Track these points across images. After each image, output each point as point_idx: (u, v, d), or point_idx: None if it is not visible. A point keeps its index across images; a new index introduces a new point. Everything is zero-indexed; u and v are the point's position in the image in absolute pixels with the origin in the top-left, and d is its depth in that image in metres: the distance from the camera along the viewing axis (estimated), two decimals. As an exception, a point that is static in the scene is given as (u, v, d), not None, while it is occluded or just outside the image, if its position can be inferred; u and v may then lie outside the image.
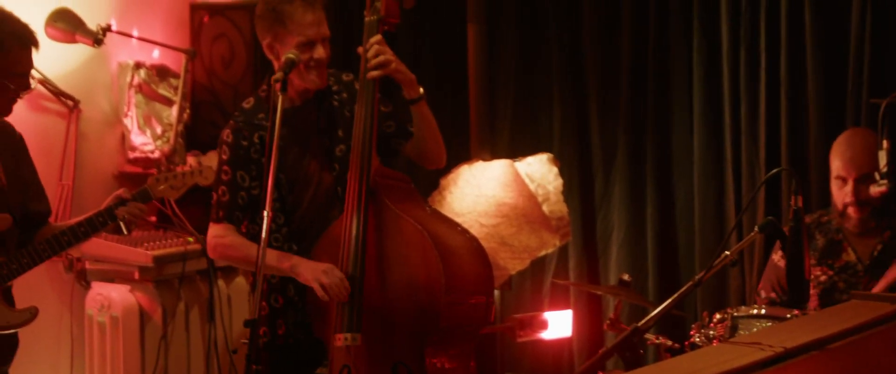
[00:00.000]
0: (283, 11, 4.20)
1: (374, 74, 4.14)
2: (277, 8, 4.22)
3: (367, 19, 4.22)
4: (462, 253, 4.11)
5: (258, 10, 4.28)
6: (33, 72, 5.48)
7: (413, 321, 4.05)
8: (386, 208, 4.11)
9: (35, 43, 4.06)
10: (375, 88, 4.17)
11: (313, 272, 4.08)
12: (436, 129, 4.35)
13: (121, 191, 4.25)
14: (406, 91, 4.23)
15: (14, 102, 4.06)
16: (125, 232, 4.25)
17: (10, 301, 4.16)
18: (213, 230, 4.32)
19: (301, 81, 4.25)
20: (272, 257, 4.16)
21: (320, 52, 4.21)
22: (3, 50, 3.96)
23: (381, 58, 4.14)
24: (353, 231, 4.07)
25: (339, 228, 4.14)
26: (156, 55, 6.22)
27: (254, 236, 4.27)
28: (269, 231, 4.11)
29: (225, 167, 4.29)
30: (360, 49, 4.19)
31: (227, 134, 4.32)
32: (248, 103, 4.38)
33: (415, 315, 4.05)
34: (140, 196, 4.26)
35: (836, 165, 4.74)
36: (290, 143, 4.26)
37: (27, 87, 4.08)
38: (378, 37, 4.17)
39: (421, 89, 4.24)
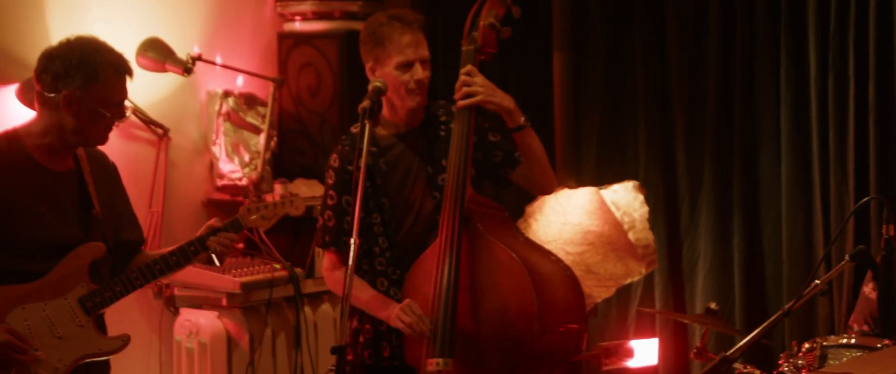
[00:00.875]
0: (382, 34, 4.24)
1: (463, 103, 4.16)
2: (376, 31, 4.25)
3: (463, 49, 4.24)
4: (555, 281, 4.09)
5: (361, 36, 4.33)
6: (126, 101, 5.59)
7: (504, 347, 4.03)
8: (479, 235, 4.11)
9: (129, 72, 4.11)
10: (470, 118, 4.17)
11: (396, 313, 4.11)
12: (542, 156, 4.33)
13: (213, 221, 4.28)
14: (507, 120, 4.23)
15: (109, 130, 4.11)
16: (217, 263, 4.28)
17: (102, 328, 4.20)
18: (325, 260, 4.37)
19: (403, 103, 4.26)
20: (376, 302, 4.22)
21: (419, 72, 4.23)
22: (100, 79, 4.00)
23: (466, 89, 4.16)
24: (447, 257, 4.08)
25: (433, 254, 4.14)
26: (242, 83, 6.28)
27: (358, 260, 4.30)
28: (371, 256, 4.16)
29: (331, 192, 4.32)
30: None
31: (333, 159, 4.35)
32: (355, 128, 4.39)
33: (506, 342, 4.03)
34: (231, 226, 4.29)
35: None
36: (394, 168, 4.29)
37: (122, 115, 4.12)
38: (468, 67, 4.19)
39: (523, 118, 4.23)
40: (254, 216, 4.27)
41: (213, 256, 4.21)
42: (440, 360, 4.03)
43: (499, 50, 4.27)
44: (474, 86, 4.16)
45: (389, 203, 4.28)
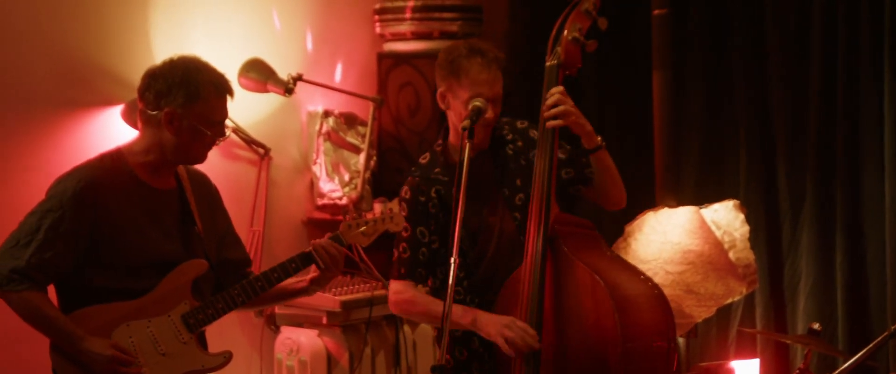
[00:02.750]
0: (460, 66, 4.22)
1: (553, 123, 4.12)
2: (456, 61, 4.23)
3: (546, 65, 4.20)
4: (640, 301, 4.05)
5: (440, 57, 4.31)
6: (227, 121, 5.65)
7: (591, 371, 4.01)
8: (563, 257, 4.08)
9: (230, 92, 4.16)
10: (555, 138, 4.14)
11: (496, 326, 4.08)
12: (616, 174, 4.32)
13: (314, 241, 4.29)
14: (585, 141, 4.20)
15: (209, 149, 4.15)
16: (321, 265, 4.25)
17: (204, 345, 4.25)
18: (394, 287, 4.35)
19: (461, 139, 4.26)
20: (455, 311, 4.15)
21: (489, 111, 4.21)
22: (201, 98, 4.05)
23: (561, 108, 4.11)
24: (532, 281, 4.06)
25: (519, 278, 4.13)
26: (342, 103, 6.32)
27: (436, 291, 4.30)
28: (460, 280, 4.14)
29: (405, 224, 4.32)
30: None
31: (405, 191, 4.36)
32: (424, 158, 4.40)
33: (592, 366, 4.01)
34: (333, 241, 4.32)
35: None
36: (467, 195, 4.28)
37: (222, 134, 4.17)
38: (560, 87, 4.14)
39: (599, 138, 4.20)
40: (354, 232, 4.28)
41: (317, 258, 4.20)
42: None
43: (584, 65, 4.21)
44: (567, 106, 4.12)
45: (466, 232, 4.23)
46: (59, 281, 4.06)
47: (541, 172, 4.14)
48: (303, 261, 4.19)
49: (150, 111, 4.06)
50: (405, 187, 4.36)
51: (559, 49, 4.18)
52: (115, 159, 4.11)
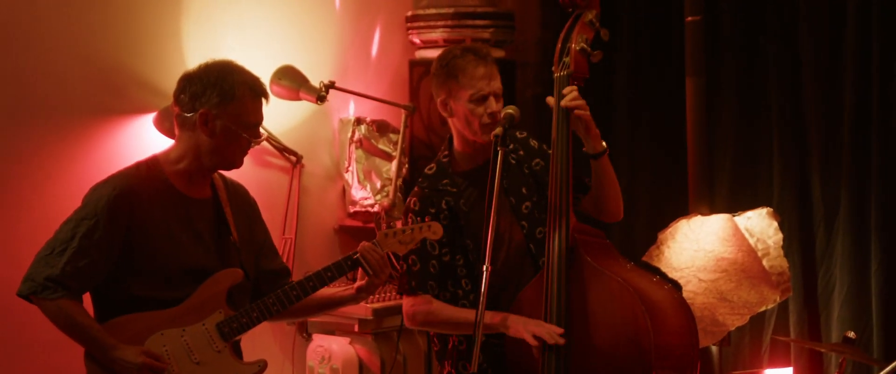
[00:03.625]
0: (455, 66, 4.24)
1: (580, 112, 4.09)
2: (450, 64, 4.25)
3: (556, 75, 4.19)
4: (666, 307, 4.04)
5: (432, 69, 4.33)
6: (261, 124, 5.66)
7: None
8: (587, 265, 4.06)
9: (265, 94, 4.16)
10: (569, 143, 4.12)
11: (524, 324, 4.07)
12: (616, 184, 4.29)
13: (362, 245, 4.27)
14: (590, 145, 4.18)
15: (245, 152, 4.15)
16: (369, 271, 4.23)
17: (238, 354, 4.25)
18: (408, 301, 4.33)
19: (476, 137, 4.25)
20: (468, 313, 4.17)
21: (493, 106, 4.22)
22: (236, 98, 4.05)
23: (582, 102, 4.10)
24: (555, 290, 4.04)
25: (538, 288, 4.11)
26: (374, 110, 6.32)
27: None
28: (455, 299, 4.16)
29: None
30: (549, 99, 4.18)
31: (413, 202, 4.33)
32: (430, 170, 4.39)
33: (623, 372, 4.00)
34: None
35: None
36: (475, 206, 4.27)
37: (257, 137, 4.17)
38: (574, 87, 4.14)
39: (604, 143, 4.19)
40: (392, 241, 4.26)
41: (364, 263, 4.18)
42: None
43: (590, 75, 4.21)
44: (583, 104, 4.11)
45: (473, 244, 4.23)
46: (95, 289, 4.08)
47: (556, 179, 4.11)
48: (338, 270, 4.18)
49: (185, 114, 4.07)
50: (413, 199, 4.34)
51: (567, 59, 4.18)
52: (150, 168, 4.12)
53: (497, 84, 4.27)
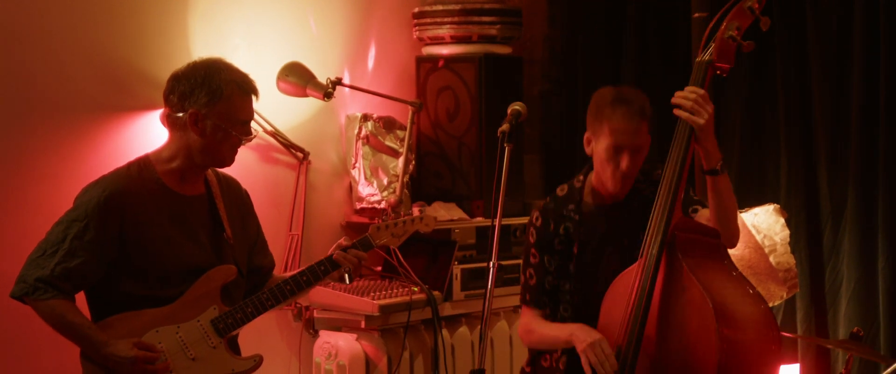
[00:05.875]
0: (604, 113, 4.17)
1: (681, 113, 3.96)
2: (603, 108, 4.18)
3: (696, 60, 4.07)
4: (747, 326, 3.94)
5: (591, 101, 4.24)
6: (265, 125, 5.67)
7: None
8: (678, 266, 3.98)
9: (255, 91, 4.17)
10: (689, 143, 3.96)
11: (584, 343, 4.03)
12: (731, 205, 4.04)
13: (342, 240, 4.33)
14: (706, 159, 4.00)
15: (236, 150, 4.17)
16: (347, 281, 4.32)
17: (235, 349, 4.26)
18: (522, 319, 4.41)
19: (604, 185, 4.23)
20: (552, 327, 4.23)
21: (626, 162, 4.15)
22: (224, 96, 4.07)
23: (695, 106, 3.94)
24: (641, 287, 3.98)
25: (630, 277, 4.06)
26: (381, 107, 6.32)
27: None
28: (566, 319, 4.20)
29: (533, 250, 4.34)
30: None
31: (536, 217, 4.36)
32: (561, 190, 4.39)
33: None
34: (361, 244, 4.33)
35: None
36: (589, 239, 4.27)
37: (248, 134, 4.18)
38: (703, 91, 3.97)
39: (720, 157, 3.99)
40: (384, 233, 4.31)
41: (346, 275, 4.26)
42: None
43: (735, 65, 4.04)
44: (704, 107, 3.95)
45: (577, 272, 4.25)
46: (89, 289, 4.10)
47: (672, 167, 4.00)
48: (331, 263, 4.23)
49: (175, 114, 4.10)
50: (537, 213, 4.36)
51: (712, 45, 4.04)
52: (141, 167, 4.14)
53: (639, 140, 4.17)
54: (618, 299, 4.09)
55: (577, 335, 4.08)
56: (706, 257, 4.03)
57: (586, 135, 4.25)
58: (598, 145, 4.19)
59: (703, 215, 4.16)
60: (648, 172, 4.29)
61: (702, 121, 3.93)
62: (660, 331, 3.99)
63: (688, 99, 3.95)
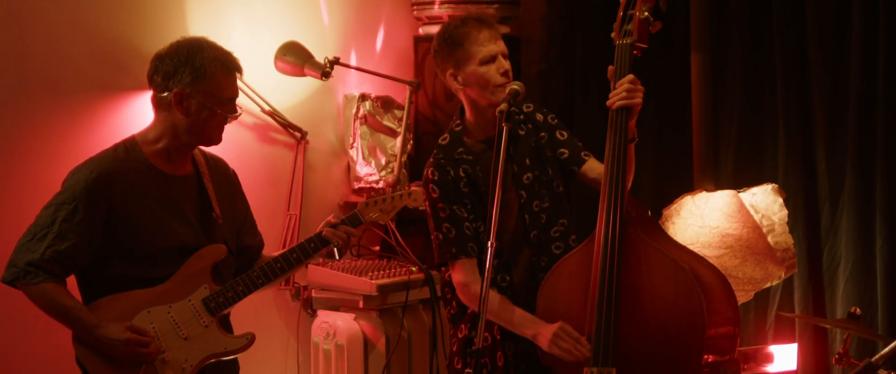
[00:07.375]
0: (458, 35, 4.27)
1: (620, 103, 4.02)
2: (452, 35, 4.28)
3: (618, 43, 4.11)
4: (715, 287, 4.01)
5: (434, 46, 4.34)
6: (263, 104, 5.66)
7: (672, 357, 3.95)
8: (639, 241, 4.01)
9: (239, 68, 4.17)
10: (626, 120, 4.03)
11: (547, 339, 4.05)
12: (632, 171, 4.19)
13: (331, 217, 4.34)
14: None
15: (222, 128, 4.17)
16: (336, 257, 4.33)
17: (227, 328, 4.27)
18: (458, 275, 4.30)
19: (491, 99, 4.24)
20: (518, 318, 4.19)
21: (504, 64, 4.24)
22: (208, 75, 4.07)
23: (631, 95, 4.02)
24: (608, 263, 3.98)
25: (583, 260, 4.08)
26: (379, 86, 6.31)
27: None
28: (481, 267, 4.10)
29: (440, 205, 4.29)
30: (611, 69, 4.09)
31: (431, 172, 4.33)
32: (443, 140, 4.39)
33: (674, 352, 3.96)
34: (350, 220, 4.34)
35: None
36: (483, 177, 4.27)
37: (233, 112, 4.18)
38: (631, 76, 4.05)
39: (636, 131, 4.11)
40: (373, 209, 4.32)
41: (335, 250, 4.27)
42: (602, 370, 3.96)
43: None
44: (637, 89, 4.04)
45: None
46: (79, 271, 4.10)
47: (612, 157, 4.05)
48: (320, 240, 4.24)
49: (159, 94, 4.09)
50: (430, 169, 4.34)
51: (630, 27, 4.10)
52: (128, 149, 4.14)
53: (503, 44, 4.29)
54: (569, 289, 4.11)
55: (541, 334, 4.10)
56: (656, 230, 4.14)
57: (448, 72, 4.31)
58: (468, 69, 4.25)
59: (593, 166, 4.32)
60: (518, 104, 4.33)
61: (639, 100, 4.04)
62: (633, 309, 3.99)
63: (622, 93, 4.03)
